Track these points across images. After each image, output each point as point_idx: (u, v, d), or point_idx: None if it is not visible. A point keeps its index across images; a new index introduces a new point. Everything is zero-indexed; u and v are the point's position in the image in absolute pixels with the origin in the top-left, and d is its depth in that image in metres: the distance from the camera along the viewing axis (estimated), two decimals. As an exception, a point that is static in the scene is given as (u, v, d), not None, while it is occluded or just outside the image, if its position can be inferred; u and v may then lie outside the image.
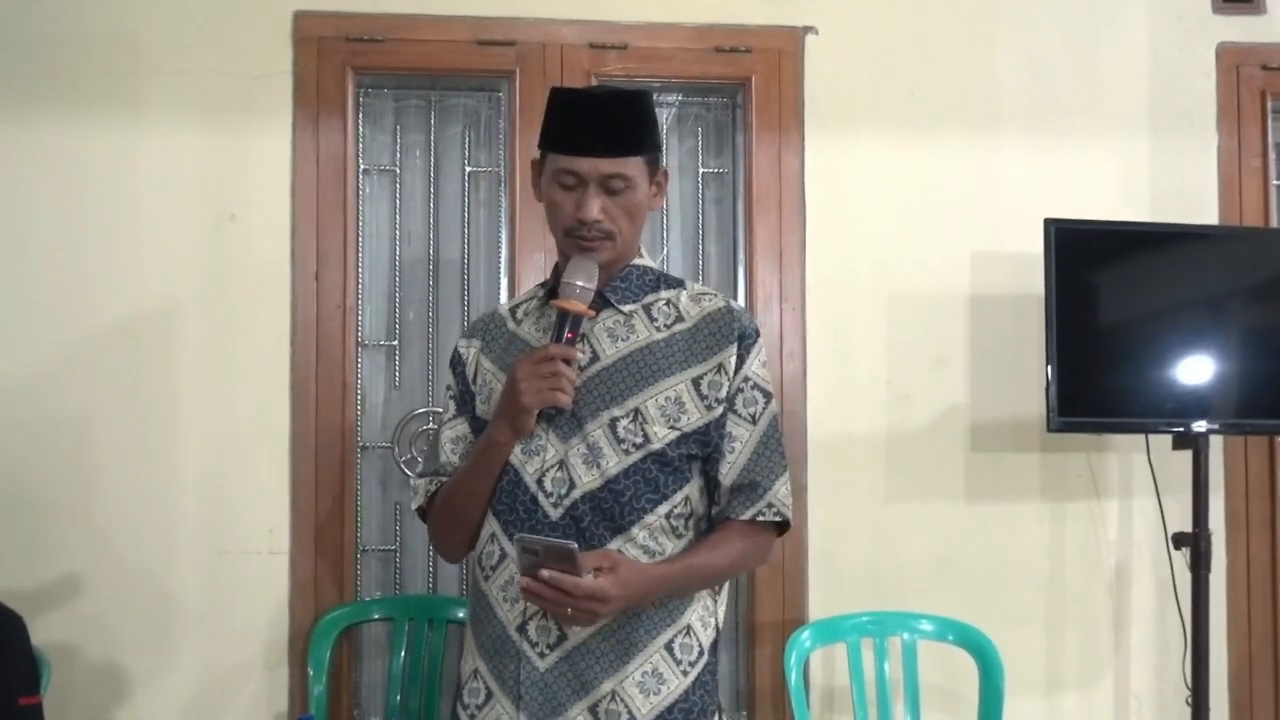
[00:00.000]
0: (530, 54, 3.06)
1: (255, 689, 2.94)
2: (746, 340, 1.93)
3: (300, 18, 3.00)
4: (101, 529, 2.90)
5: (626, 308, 1.94)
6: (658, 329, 1.93)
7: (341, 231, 3.00)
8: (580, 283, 1.86)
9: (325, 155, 3.00)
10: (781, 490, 1.93)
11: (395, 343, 3.16)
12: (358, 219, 3.06)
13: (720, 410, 1.90)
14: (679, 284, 2.00)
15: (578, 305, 1.85)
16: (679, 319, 1.94)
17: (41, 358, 2.91)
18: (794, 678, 2.84)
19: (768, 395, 1.94)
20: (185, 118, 2.96)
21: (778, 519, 1.93)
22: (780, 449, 1.95)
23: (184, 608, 2.92)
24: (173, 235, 2.95)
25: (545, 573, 1.73)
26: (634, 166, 1.89)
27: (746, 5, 3.13)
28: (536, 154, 1.97)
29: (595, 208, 1.87)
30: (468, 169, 3.20)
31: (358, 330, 3.05)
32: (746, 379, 1.92)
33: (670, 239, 3.25)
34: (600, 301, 1.92)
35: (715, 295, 1.99)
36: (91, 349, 2.92)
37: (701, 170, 3.26)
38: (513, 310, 2.05)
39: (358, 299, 3.05)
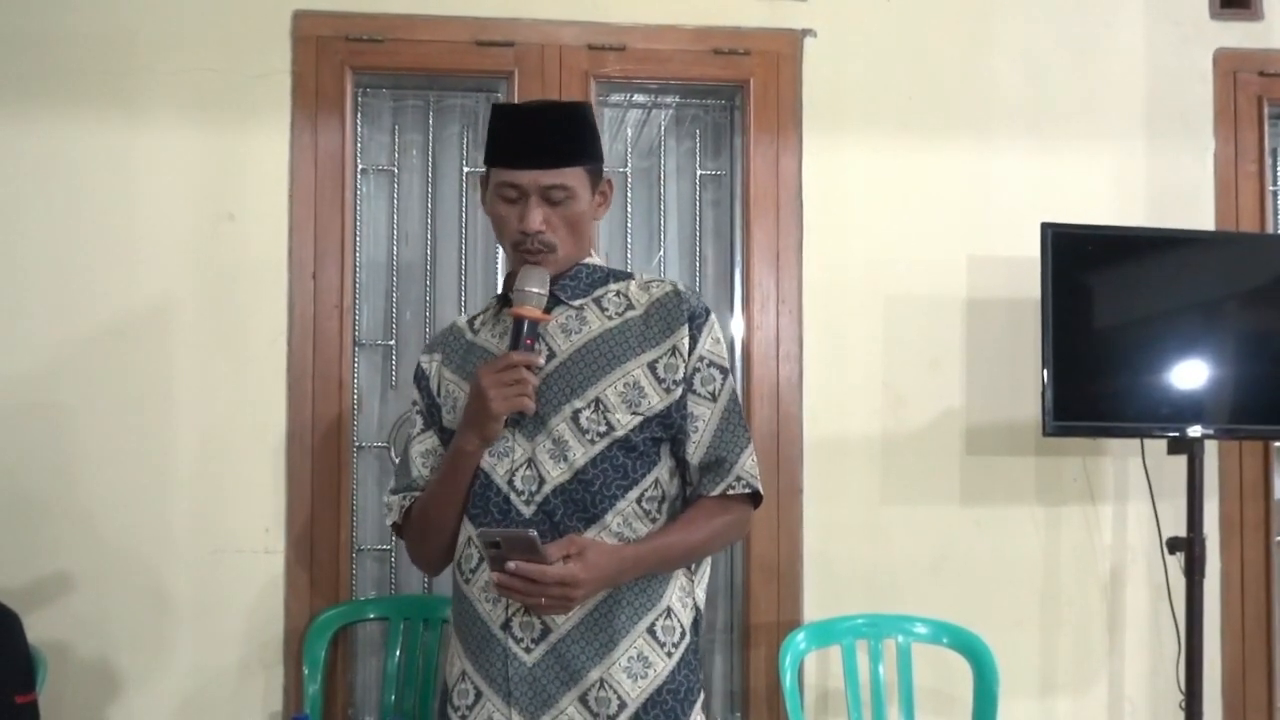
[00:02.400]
0: (529, 55, 3.06)
1: (250, 688, 2.94)
2: (697, 320, 1.96)
3: (299, 17, 3.00)
4: (97, 527, 2.90)
5: (577, 302, 1.98)
6: (609, 318, 1.97)
7: (339, 231, 3.00)
8: (534, 289, 1.90)
9: (323, 155, 3.00)
10: (748, 463, 1.97)
11: (392, 343, 3.16)
12: (355, 219, 3.06)
13: (679, 392, 1.93)
14: (627, 276, 2.04)
15: (532, 311, 1.89)
16: (630, 307, 1.98)
17: (37, 356, 2.91)
18: (789, 680, 2.84)
19: (724, 371, 1.98)
20: (183, 117, 2.96)
21: (748, 490, 1.97)
22: (743, 422, 1.99)
23: (179, 606, 2.92)
24: (170, 234, 2.95)
25: (511, 564, 1.76)
26: (574, 177, 1.94)
27: (745, 8, 3.13)
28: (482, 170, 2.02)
29: (537, 219, 1.92)
30: (465, 169, 3.21)
31: (354, 330, 3.05)
32: (702, 358, 1.96)
33: (667, 240, 3.26)
34: (551, 301, 1.95)
35: (663, 281, 2.02)
36: (88, 348, 2.92)
37: (699, 172, 3.27)
38: (470, 322, 2.10)
39: (355, 299, 3.05)
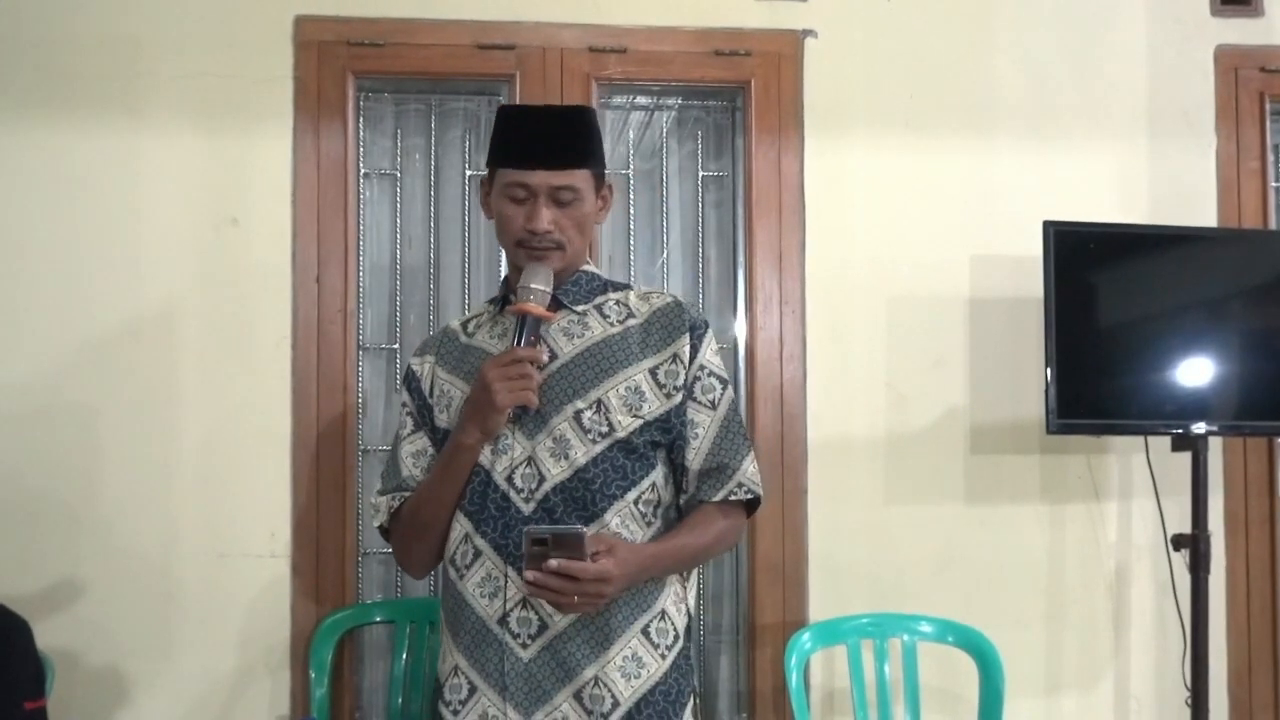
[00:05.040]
0: (530, 58, 3.07)
1: (257, 692, 2.94)
2: (698, 331, 2.01)
3: (301, 22, 3.01)
4: (103, 533, 2.90)
5: (579, 308, 2.02)
6: (611, 325, 2.01)
7: (342, 235, 3.00)
8: (538, 286, 1.94)
9: (326, 159, 3.00)
10: (750, 469, 2.01)
11: (396, 346, 3.17)
12: (358, 223, 3.07)
13: (679, 398, 1.98)
14: (626, 286, 2.10)
15: (536, 308, 1.92)
16: (630, 315, 2.02)
17: (43, 362, 2.91)
18: (794, 679, 2.85)
19: (724, 381, 2.03)
20: (186, 122, 2.97)
21: (749, 496, 2.01)
22: (743, 430, 2.03)
23: (185, 611, 2.93)
24: (174, 239, 2.96)
25: (554, 562, 1.77)
26: (581, 179, 1.98)
27: (746, 9, 3.13)
28: (484, 173, 2.05)
29: (546, 218, 1.96)
30: (468, 173, 3.21)
31: (358, 334, 3.06)
32: (702, 367, 2.00)
33: (670, 242, 3.26)
34: (554, 304, 1.99)
35: (662, 293, 2.08)
36: (93, 353, 2.92)
37: (701, 173, 3.27)
38: (464, 325, 2.13)
39: (358, 302, 3.06)
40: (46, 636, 2.70)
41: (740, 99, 3.19)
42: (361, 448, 3.07)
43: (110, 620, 2.89)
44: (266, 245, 2.98)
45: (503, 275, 3.08)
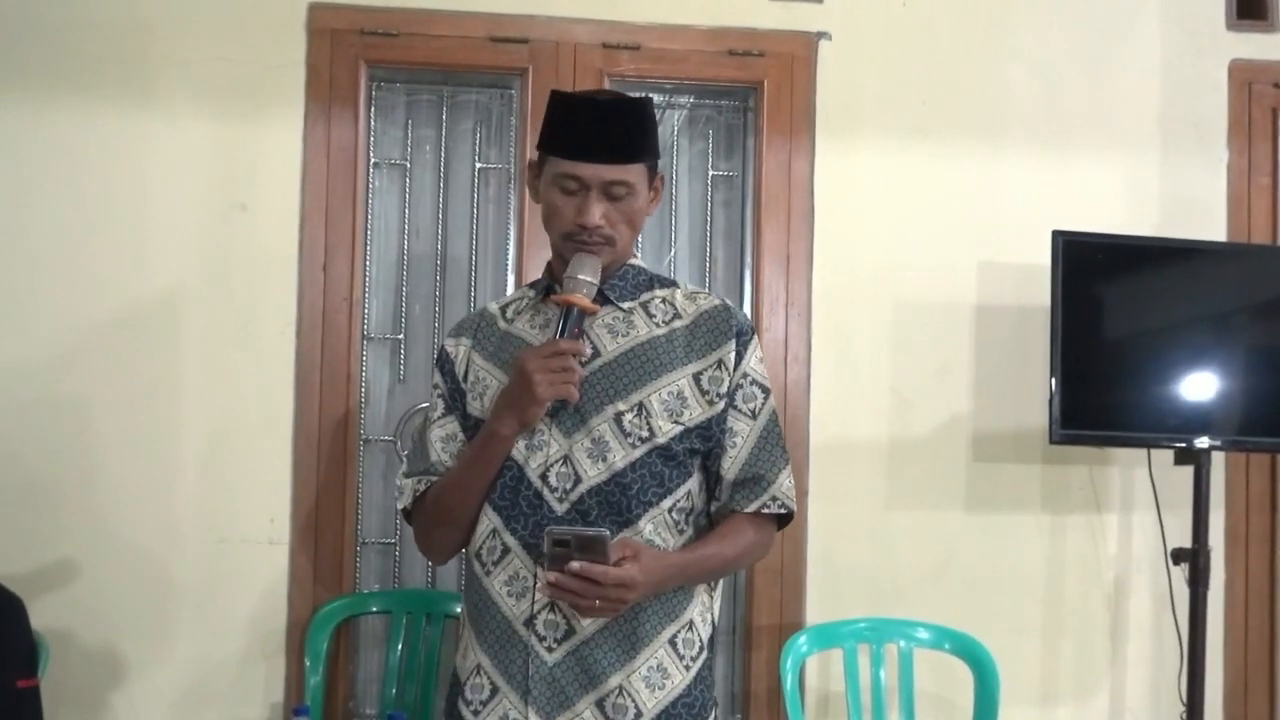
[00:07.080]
0: (543, 52, 3.07)
1: (252, 678, 2.94)
2: (744, 337, 1.95)
3: (314, 10, 3.01)
4: (102, 515, 2.91)
5: (625, 304, 1.96)
6: (657, 325, 1.95)
7: (350, 224, 3.00)
8: (585, 277, 1.87)
9: (336, 148, 3.00)
10: (786, 483, 1.95)
11: (400, 336, 3.17)
12: (367, 212, 3.07)
13: (721, 405, 1.92)
14: (672, 284, 2.02)
15: (582, 300, 1.86)
16: (676, 316, 1.96)
17: (47, 344, 2.91)
18: (789, 682, 2.84)
19: (766, 391, 1.97)
20: (197, 107, 2.97)
21: (783, 511, 1.95)
22: (781, 442, 1.97)
23: (183, 595, 2.93)
24: (181, 224, 2.96)
25: (576, 564, 1.73)
26: (635, 173, 1.91)
27: (760, 9, 3.13)
28: (534, 155, 1.98)
29: (597, 214, 1.89)
30: (478, 165, 3.21)
31: (363, 323, 3.06)
32: (745, 375, 1.94)
33: (678, 241, 3.26)
34: (599, 298, 1.93)
35: (709, 295, 2.01)
36: (97, 336, 2.92)
37: (711, 173, 3.27)
38: (503, 309, 2.05)
39: (364, 292, 3.06)
40: (43, 617, 2.70)
41: (752, 99, 3.19)
42: (364, 437, 3.07)
43: (107, 603, 2.90)
44: (274, 233, 2.98)
45: (510, 267, 3.13)
